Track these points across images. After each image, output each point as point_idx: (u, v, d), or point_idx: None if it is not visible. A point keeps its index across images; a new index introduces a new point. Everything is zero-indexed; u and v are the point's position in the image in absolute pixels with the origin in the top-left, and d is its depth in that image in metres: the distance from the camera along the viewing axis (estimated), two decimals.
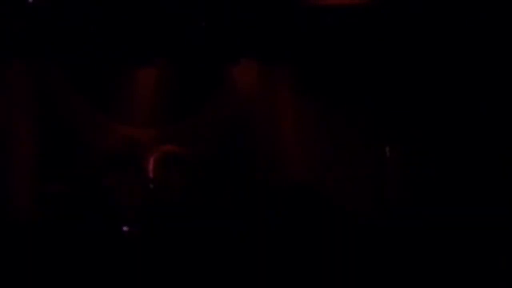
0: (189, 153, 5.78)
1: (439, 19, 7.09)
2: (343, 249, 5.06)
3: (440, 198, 6.92)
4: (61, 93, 7.72)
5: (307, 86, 7.89)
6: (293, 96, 7.99)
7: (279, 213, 5.38)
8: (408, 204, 6.94)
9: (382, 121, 7.67)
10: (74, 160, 7.45)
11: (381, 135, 7.70)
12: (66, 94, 7.73)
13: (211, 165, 7.49)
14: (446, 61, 7.39)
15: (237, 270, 5.01)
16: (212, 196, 6.36)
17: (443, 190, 7.11)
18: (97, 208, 5.59)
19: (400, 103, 7.63)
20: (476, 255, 5.39)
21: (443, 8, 6.96)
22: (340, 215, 5.38)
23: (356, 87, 7.73)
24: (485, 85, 7.31)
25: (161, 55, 7.75)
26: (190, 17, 7.24)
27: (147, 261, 5.07)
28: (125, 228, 5.54)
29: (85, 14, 7.04)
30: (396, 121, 7.65)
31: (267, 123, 7.97)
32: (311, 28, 7.35)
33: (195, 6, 7.06)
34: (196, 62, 7.81)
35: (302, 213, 5.34)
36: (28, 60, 7.52)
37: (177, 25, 7.29)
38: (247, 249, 5.09)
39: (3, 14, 6.93)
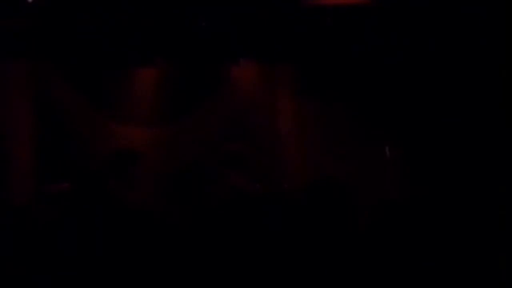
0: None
1: (439, 19, 7.10)
2: (349, 246, 5.08)
3: (439, 197, 6.92)
4: (61, 93, 7.72)
5: (307, 86, 7.90)
6: (293, 96, 8.00)
7: (283, 212, 5.38)
8: (408, 202, 6.93)
9: (382, 121, 7.68)
10: (74, 160, 7.45)
11: (381, 135, 7.71)
12: (66, 94, 7.73)
13: (212, 164, 7.50)
14: (446, 61, 7.40)
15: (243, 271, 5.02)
16: (214, 195, 6.36)
17: (442, 189, 7.12)
18: (97, 207, 5.60)
19: (400, 103, 7.63)
20: (475, 252, 5.39)
21: (443, 8, 6.97)
22: (345, 213, 5.40)
23: (356, 87, 7.73)
24: (485, 85, 7.31)
25: (161, 55, 7.76)
26: (190, 17, 7.24)
27: (148, 258, 5.08)
28: None
29: (85, 14, 7.04)
30: (396, 121, 7.65)
31: (267, 123, 7.97)
32: (311, 28, 7.36)
33: (195, 6, 7.07)
34: (196, 62, 7.82)
35: (312, 211, 5.35)
36: (28, 60, 7.52)
37: (177, 25, 7.30)
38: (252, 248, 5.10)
39: (3, 14, 6.93)
